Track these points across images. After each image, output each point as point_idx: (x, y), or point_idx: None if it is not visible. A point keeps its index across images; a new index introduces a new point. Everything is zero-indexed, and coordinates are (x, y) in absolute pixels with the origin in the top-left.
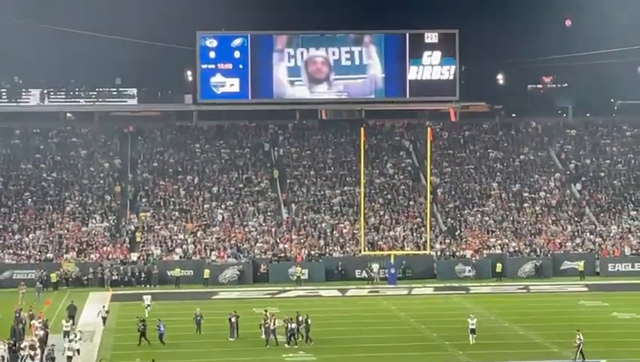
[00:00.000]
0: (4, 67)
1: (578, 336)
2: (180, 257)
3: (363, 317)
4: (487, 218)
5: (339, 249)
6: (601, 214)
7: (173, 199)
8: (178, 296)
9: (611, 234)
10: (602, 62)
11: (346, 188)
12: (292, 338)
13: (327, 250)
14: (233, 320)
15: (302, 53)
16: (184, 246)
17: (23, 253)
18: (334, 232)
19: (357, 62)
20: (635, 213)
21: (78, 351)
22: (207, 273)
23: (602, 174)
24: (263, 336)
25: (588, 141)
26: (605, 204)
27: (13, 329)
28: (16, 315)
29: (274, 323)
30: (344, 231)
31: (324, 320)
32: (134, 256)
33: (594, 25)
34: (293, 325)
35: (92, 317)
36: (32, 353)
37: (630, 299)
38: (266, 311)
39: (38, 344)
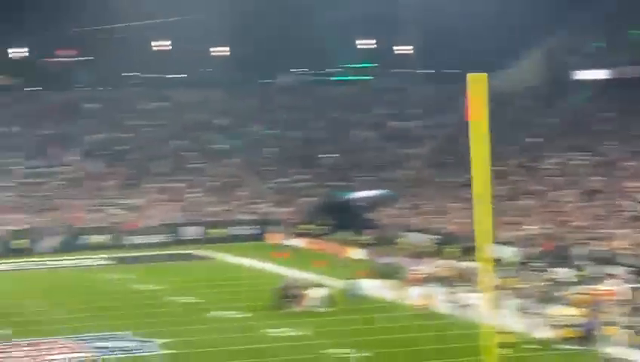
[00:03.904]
0: None
1: None
2: None
3: None
4: (8, 194)
5: None
6: (122, 187)
7: None
8: None
9: (132, 207)
10: (125, 35)
11: None
12: None
13: None
14: None
15: None
16: None
17: None
18: None
19: None
20: (155, 186)
21: None
22: None
23: (123, 148)
24: None
25: (109, 115)
26: (126, 176)
27: None
28: None
29: None
30: None
31: None
32: None
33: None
34: None
35: None
36: None
37: (151, 270)
38: None
39: None
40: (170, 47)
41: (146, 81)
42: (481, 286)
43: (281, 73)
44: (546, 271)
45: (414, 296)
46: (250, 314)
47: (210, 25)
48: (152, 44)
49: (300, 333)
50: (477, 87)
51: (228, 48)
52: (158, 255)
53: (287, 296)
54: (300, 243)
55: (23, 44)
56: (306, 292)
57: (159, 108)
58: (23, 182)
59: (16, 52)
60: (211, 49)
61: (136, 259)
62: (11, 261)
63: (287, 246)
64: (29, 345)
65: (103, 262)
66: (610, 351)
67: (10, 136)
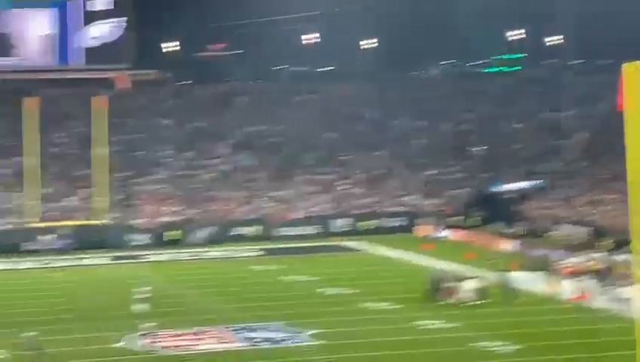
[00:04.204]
0: None
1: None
2: None
3: (35, 290)
4: (161, 186)
5: (9, 221)
6: (273, 179)
7: None
8: None
9: (283, 199)
10: (273, 29)
11: (15, 159)
12: None
13: None
14: None
15: None
16: None
17: None
18: (3, 204)
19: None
20: (305, 177)
21: None
22: None
23: (273, 140)
24: None
25: (259, 108)
26: (276, 169)
27: None
28: None
29: None
30: (14, 202)
31: None
32: None
33: None
34: None
35: None
36: None
37: (301, 261)
38: None
39: None
40: (319, 40)
41: (296, 74)
42: (636, 280)
43: (430, 65)
44: None
45: (567, 289)
46: (400, 306)
47: (359, 17)
48: (302, 37)
49: (452, 326)
50: (632, 77)
51: (376, 40)
52: (308, 247)
53: (440, 288)
54: (450, 235)
55: (175, 39)
56: (459, 284)
57: (309, 100)
58: (175, 175)
59: (169, 46)
60: (360, 41)
61: (286, 251)
62: (165, 252)
63: (437, 238)
64: (181, 334)
65: (253, 254)
66: None
67: (162, 129)
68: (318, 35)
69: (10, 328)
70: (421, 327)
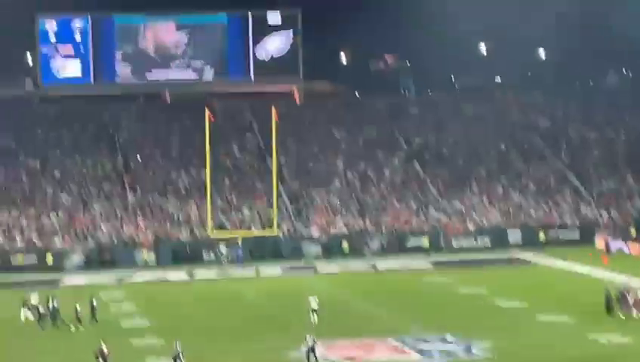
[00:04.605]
0: None
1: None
2: (24, 244)
3: (211, 300)
4: (332, 197)
5: (186, 231)
6: (445, 191)
7: (15, 184)
8: (25, 285)
9: (454, 211)
10: (443, 40)
11: (191, 170)
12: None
13: (174, 232)
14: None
15: (145, 34)
16: (27, 233)
17: None
18: (181, 215)
19: (201, 43)
20: (477, 189)
21: None
22: (51, 259)
23: (445, 151)
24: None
25: (430, 119)
26: (448, 180)
27: None
28: None
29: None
30: (190, 213)
31: (173, 303)
32: None
33: (436, 3)
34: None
35: None
36: None
37: (474, 273)
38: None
39: None
40: (492, 50)
41: (467, 84)
42: None
43: (603, 74)
44: None
45: None
46: (577, 320)
47: (532, 27)
48: (475, 47)
49: (633, 341)
50: None
51: (549, 50)
52: (480, 259)
53: (622, 301)
54: (629, 248)
55: (346, 51)
56: None
57: (482, 111)
58: (347, 186)
59: (340, 58)
60: (532, 51)
61: (458, 263)
62: (336, 262)
63: (616, 251)
64: (353, 344)
65: (425, 266)
66: None
67: (334, 140)
68: (491, 45)
69: (185, 336)
70: (600, 341)
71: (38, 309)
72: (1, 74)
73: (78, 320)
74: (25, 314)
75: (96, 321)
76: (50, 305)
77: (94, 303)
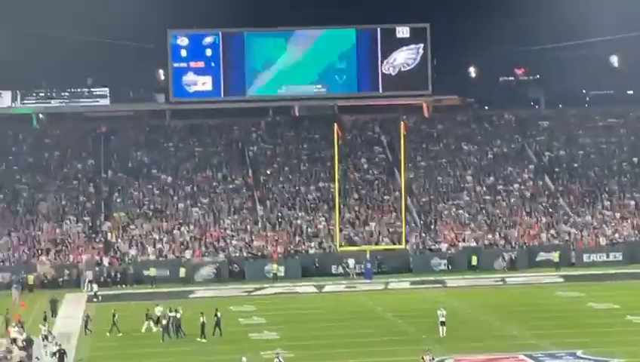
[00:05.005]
0: None
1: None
2: (155, 256)
3: (340, 313)
4: (461, 211)
5: (315, 245)
6: (576, 205)
7: (147, 198)
8: (155, 296)
9: (586, 225)
10: (574, 53)
11: (320, 184)
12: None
13: (303, 246)
14: (202, 320)
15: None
16: (159, 246)
17: None
18: (310, 228)
19: (329, 58)
20: (609, 203)
21: (59, 352)
22: (182, 272)
23: (576, 165)
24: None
25: (561, 132)
26: (579, 194)
27: None
28: None
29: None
30: (319, 227)
31: (302, 316)
32: (106, 261)
33: (566, 16)
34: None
35: (69, 318)
36: (8, 356)
37: (606, 288)
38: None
39: (16, 347)
40: (624, 62)
41: (598, 98)
42: None
43: None
44: None
45: None
46: None
47: None
48: (603, 60)
49: None
50: None
51: None
52: (612, 273)
53: None
54: None
55: (478, 64)
56: None
57: (613, 124)
58: (476, 200)
59: (471, 72)
60: None
61: (590, 277)
62: (465, 277)
63: None
64: (480, 359)
65: (554, 280)
66: None
67: (463, 154)
68: (621, 57)
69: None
70: None
71: (160, 320)
72: (134, 89)
73: (202, 332)
74: (148, 325)
75: (221, 334)
76: (172, 317)
77: (219, 315)
